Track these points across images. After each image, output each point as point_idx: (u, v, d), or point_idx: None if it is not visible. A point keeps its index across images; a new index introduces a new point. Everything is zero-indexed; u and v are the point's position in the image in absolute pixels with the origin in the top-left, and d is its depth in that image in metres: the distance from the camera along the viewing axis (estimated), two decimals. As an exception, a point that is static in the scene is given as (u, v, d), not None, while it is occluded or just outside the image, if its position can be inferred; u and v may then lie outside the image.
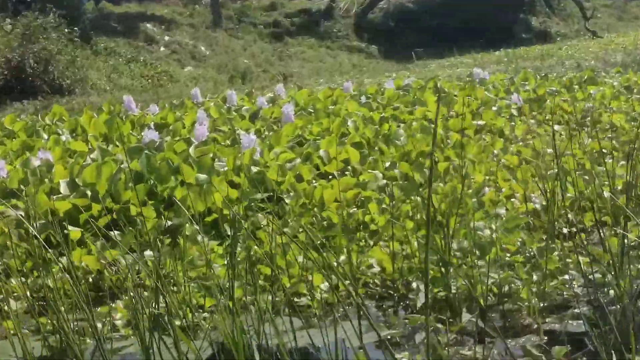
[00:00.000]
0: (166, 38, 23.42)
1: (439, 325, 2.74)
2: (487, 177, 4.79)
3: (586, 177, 4.36)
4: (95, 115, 7.45)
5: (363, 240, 3.80)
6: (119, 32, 22.91)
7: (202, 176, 4.25)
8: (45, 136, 6.67)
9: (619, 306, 2.63)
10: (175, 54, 22.85)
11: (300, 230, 3.78)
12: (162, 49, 22.92)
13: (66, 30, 18.89)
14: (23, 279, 3.09)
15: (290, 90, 10.92)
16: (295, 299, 3.23)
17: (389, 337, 2.79)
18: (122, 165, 4.30)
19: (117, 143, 5.94)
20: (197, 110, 7.75)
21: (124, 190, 3.99)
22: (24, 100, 15.87)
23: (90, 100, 14.71)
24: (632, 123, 6.75)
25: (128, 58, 21.23)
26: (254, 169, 4.63)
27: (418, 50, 23.01)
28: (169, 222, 3.75)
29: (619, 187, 4.23)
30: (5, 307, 2.74)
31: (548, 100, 8.29)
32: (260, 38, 25.86)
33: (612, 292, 2.95)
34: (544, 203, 3.94)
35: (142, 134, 6.00)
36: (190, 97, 10.09)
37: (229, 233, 3.77)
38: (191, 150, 5.02)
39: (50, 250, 2.75)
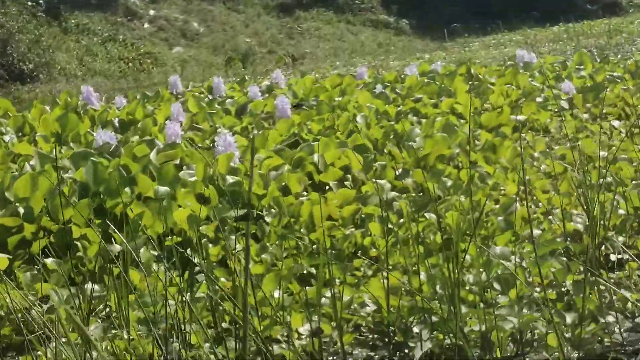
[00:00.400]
0: (151, 12, 20.75)
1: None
2: (522, 188, 3.96)
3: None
4: (48, 110, 6.63)
5: (361, 270, 3.27)
6: (94, 6, 20.16)
7: (163, 188, 3.61)
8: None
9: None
10: (162, 32, 20.40)
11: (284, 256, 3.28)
12: (145, 25, 20.46)
13: (29, 3, 17.17)
14: None
15: (291, 78, 9.94)
16: (269, 346, 2.53)
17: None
18: (65, 175, 3.68)
19: (72, 145, 5.23)
20: (175, 102, 6.90)
21: (65, 207, 3.33)
22: None
23: (57, 89, 13.42)
24: None
25: (104, 37, 19.04)
26: (230, 179, 3.97)
27: (457, 26, 20.84)
28: (118, 247, 3.16)
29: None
30: None
31: (608, 90, 7.11)
32: (266, 12, 22.83)
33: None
34: (587, 222, 3.27)
35: (95, 134, 5.23)
36: (168, 86, 9.03)
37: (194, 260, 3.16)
38: (153, 155, 4.33)
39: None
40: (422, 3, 23.77)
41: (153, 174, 3.90)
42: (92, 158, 3.72)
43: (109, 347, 2.41)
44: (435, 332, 2.53)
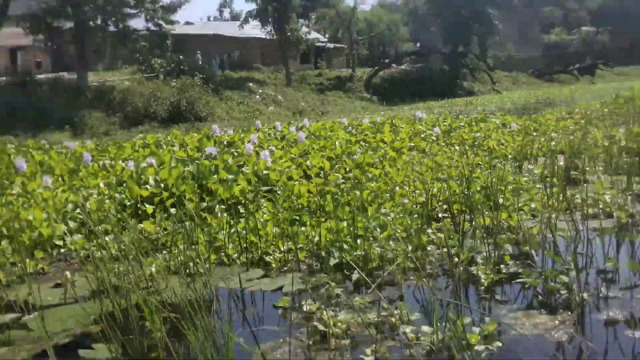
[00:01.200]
0: (260, 91, 37.16)
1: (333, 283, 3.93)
2: (406, 179, 6.97)
3: (459, 181, 6.40)
4: (194, 136, 10.92)
5: (321, 219, 5.81)
6: (234, 87, 36.41)
7: (230, 176, 6.72)
8: (164, 146, 10.07)
9: (460, 268, 3.93)
10: (264, 100, 36.37)
11: (282, 210, 6.05)
12: (257, 97, 36.20)
13: (205, 86, 32.50)
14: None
15: (312, 123, 14.72)
16: (265, 257, 4.86)
17: (310, 287, 3.95)
18: (185, 169, 6.80)
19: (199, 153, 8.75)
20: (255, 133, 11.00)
21: (182, 185, 6.49)
22: (180, 123, 27.67)
23: (208, 125, 23.86)
24: (500, 146, 9.64)
25: (238, 101, 34.49)
26: (265, 172, 7.08)
27: (396, 100, 39.47)
28: (204, 204, 6.21)
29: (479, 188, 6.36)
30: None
31: (455, 131, 11.81)
32: (312, 91, 40.90)
33: (455, 259, 4.23)
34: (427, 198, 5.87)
35: (206, 148, 8.61)
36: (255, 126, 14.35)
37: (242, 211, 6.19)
38: (230, 159, 7.51)
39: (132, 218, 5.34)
40: (383, 90, 43.37)
41: (226, 169, 7.05)
42: (197, 160, 6.95)
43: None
44: (343, 253, 4.57)
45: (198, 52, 39.33)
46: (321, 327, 3.26)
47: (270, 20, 39.09)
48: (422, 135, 11.08)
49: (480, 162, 8.37)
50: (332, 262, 4.48)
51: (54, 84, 30.52)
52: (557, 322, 3.26)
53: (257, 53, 45.54)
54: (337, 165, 7.66)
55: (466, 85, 45.87)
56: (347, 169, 7.57)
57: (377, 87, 43.79)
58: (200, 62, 36.78)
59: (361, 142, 10.44)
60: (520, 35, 59.33)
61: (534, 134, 11.46)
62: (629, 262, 3.80)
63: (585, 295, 3.51)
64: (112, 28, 30.85)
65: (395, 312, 3.40)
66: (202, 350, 2.84)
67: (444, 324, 3.08)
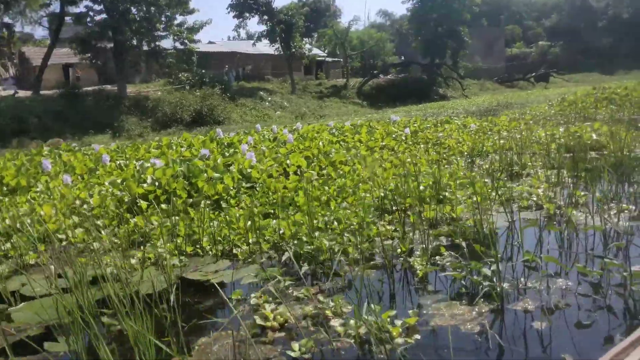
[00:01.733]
0: (269, 98, 36.26)
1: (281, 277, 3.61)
2: (373, 175, 6.53)
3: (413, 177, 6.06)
4: (201, 137, 10.83)
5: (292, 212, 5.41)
6: (248, 95, 35.60)
7: (217, 175, 6.37)
8: (174, 148, 9.75)
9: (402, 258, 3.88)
10: (272, 106, 35.49)
11: (258, 205, 5.68)
12: (267, 103, 35.41)
13: (223, 95, 31.79)
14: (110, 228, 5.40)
15: (305, 126, 14.26)
16: (234, 249, 4.50)
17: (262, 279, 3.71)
18: (178, 168, 6.46)
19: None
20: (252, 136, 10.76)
21: (174, 183, 6.15)
22: (202, 126, 26.91)
23: (229, 128, 23.88)
24: (458, 144, 9.12)
25: (250, 107, 33.75)
26: (249, 170, 6.74)
27: (382, 105, 38.64)
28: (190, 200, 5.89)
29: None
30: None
31: (422, 132, 11.18)
32: (313, 98, 39.55)
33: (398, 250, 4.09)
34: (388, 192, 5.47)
35: (201, 150, 8.21)
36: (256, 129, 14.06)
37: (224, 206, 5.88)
38: (219, 159, 7.16)
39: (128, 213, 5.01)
40: (372, 96, 41.81)
41: (214, 168, 6.70)
42: (189, 161, 6.60)
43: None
44: (298, 246, 4.16)
45: (226, 66, 39.60)
46: (259, 322, 2.93)
47: (278, 39, 38.59)
48: (394, 136, 10.71)
49: (438, 159, 8.03)
50: (285, 255, 4.07)
51: (98, 94, 30.21)
52: (474, 313, 2.93)
53: (268, 66, 45.12)
54: (313, 164, 7.30)
55: (441, 92, 45.23)
56: (323, 167, 7.22)
57: (367, 94, 42.92)
58: (225, 76, 36.19)
59: (340, 142, 10.10)
60: (487, 49, 58.64)
61: (489, 133, 11.08)
62: (545, 256, 3.45)
63: (505, 285, 3.19)
64: (145, 47, 30.51)
65: (331, 304, 3.08)
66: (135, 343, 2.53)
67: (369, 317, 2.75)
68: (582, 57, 57.77)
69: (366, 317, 2.70)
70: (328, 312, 3.01)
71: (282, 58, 40.26)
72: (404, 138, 10.54)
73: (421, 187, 5.46)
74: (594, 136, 8.24)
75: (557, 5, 66.40)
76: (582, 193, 5.04)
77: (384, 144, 9.82)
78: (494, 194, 5.20)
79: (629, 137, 8.24)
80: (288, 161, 7.20)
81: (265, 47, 41.21)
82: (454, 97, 44.27)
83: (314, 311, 3.03)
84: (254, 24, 60.36)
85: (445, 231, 4.49)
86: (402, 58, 55.40)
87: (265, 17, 38.07)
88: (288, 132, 10.77)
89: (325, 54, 51.99)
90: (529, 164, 7.24)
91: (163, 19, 30.14)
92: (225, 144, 10.16)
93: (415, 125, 12.75)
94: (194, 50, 32.19)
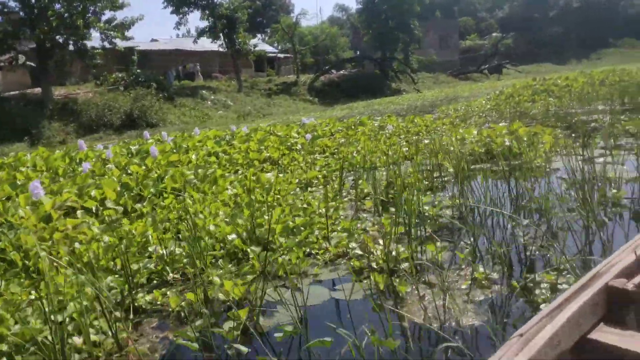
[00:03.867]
0: (212, 97, 33.73)
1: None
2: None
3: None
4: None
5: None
6: (189, 95, 32.95)
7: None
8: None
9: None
10: (215, 105, 32.96)
11: None
12: (208, 103, 32.87)
13: (160, 95, 29.11)
14: None
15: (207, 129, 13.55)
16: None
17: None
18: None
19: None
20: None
21: None
22: (132, 130, 24.76)
23: (163, 130, 21.23)
24: (354, 154, 7.60)
25: (190, 108, 31.23)
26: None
27: (334, 101, 37.02)
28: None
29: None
30: None
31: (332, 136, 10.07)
32: (262, 96, 37.10)
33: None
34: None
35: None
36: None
37: None
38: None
39: None
40: (324, 92, 40.14)
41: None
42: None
43: None
44: None
45: (178, 67, 37.92)
46: None
47: (220, 35, 36.43)
48: (289, 144, 8.93)
49: (318, 176, 6.28)
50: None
51: (20, 99, 27.64)
52: None
53: (216, 64, 42.90)
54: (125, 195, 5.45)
55: (394, 86, 43.81)
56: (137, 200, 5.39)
57: (319, 90, 40.99)
58: (161, 76, 33.70)
59: (220, 154, 8.26)
60: (442, 42, 57.55)
61: (401, 137, 9.43)
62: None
63: None
64: (71, 46, 28.00)
65: None
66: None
67: None
68: (534, 47, 57.35)
69: None
70: None
71: (228, 55, 38.16)
72: (299, 147, 8.79)
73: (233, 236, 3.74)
74: (507, 141, 6.62)
75: (509, -4, 65.95)
76: (439, 247, 3.31)
77: (269, 154, 8.05)
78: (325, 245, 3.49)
79: (548, 143, 6.64)
80: (94, 192, 5.25)
81: (212, 44, 39.00)
82: (407, 91, 42.92)
83: None
84: (197, 20, 57.77)
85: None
86: (358, 53, 53.91)
87: (207, 12, 35.85)
88: (155, 145, 8.77)
89: (277, 50, 50.05)
90: (418, 181, 5.55)
91: (90, 15, 27.66)
92: (79, 160, 8.19)
93: (326, 128, 11.03)
94: (124, 49, 29.91)
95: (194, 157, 7.72)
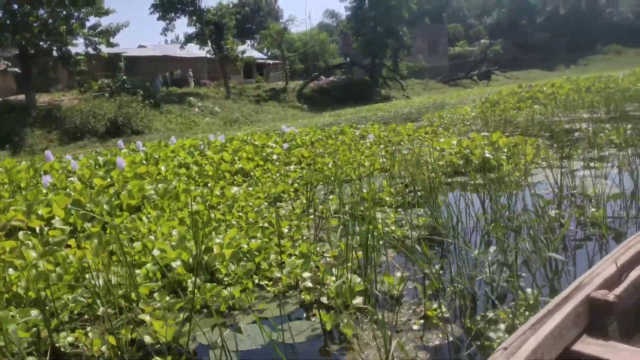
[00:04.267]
0: (199, 104, 33.10)
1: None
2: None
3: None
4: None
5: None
6: (176, 102, 32.43)
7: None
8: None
9: None
10: (202, 112, 32.43)
11: None
12: (196, 109, 32.30)
13: (146, 102, 28.64)
14: None
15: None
16: None
17: None
18: None
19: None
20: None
21: None
22: (117, 138, 22.83)
23: (149, 138, 21.82)
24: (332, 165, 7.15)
25: (177, 115, 30.64)
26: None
27: (323, 108, 36.09)
28: None
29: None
30: None
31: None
32: (250, 102, 36.58)
33: None
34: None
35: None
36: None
37: None
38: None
39: None
40: (313, 99, 39.75)
41: None
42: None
43: None
44: None
45: (165, 73, 37.52)
46: None
47: (208, 41, 36.09)
48: (265, 154, 8.59)
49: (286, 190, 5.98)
50: None
51: (3, 105, 27.11)
52: None
53: (204, 70, 42.54)
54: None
55: (384, 93, 43.59)
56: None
57: (308, 97, 40.56)
58: (148, 83, 33.18)
59: (191, 165, 7.93)
60: (431, 48, 57.47)
61: (381, 146, 9.12)
62: None
63: None
64: (54, 53, 27.53)
65: None
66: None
67: None
68: (522, 53, 57.49)
69: None
70: None
71: (216, 61, 37.82)
72: (275, 157, 8.47)
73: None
74: (486, 153, 6.32)
75: (498, 2, 66.10)
76: (397, 278, 2.98)
77: (241, 166, 7.71)
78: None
79: (529, 155, 6.37)
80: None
81: (201, 50, 38.62)
82: (396, 97, 42.69)
83: None
84: (184, 26, 57.17)
85: None
86: (348, 59, 53.72)
87: (194, 18, 35.50)
88: (122, 157, 8.38)
89: (266, 57, 49.77)
90: (387, 198, 5.23)
91: (74, 21, 27.22)
92: (43, 172, 7.80)
93: (306, 137, 10.73)
94: (111, 55, 29.54)
95: (163, 168, 7.37)
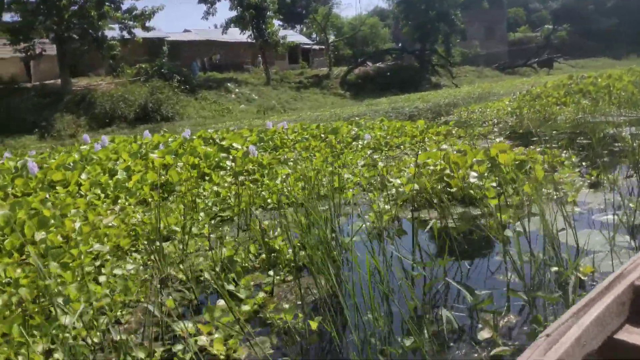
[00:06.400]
0: (236, 90, 31.94)
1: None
2: None
3: None
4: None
5: None
6: (213, 87, 31.42)
7: None
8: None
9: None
10: (238, 99, 31.19)
11: None
12: (232, 96, 31.16)
13: (181, 87, 28.36)
14: None
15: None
16: None
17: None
18: None
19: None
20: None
21: None
22: (147, 124, 23.60)
23: (179, 125, 22.31)
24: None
25: (211, 101, 29.67)
26: None
27: (366, 96, 34.68)
28: None
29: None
30: None
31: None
32: (290, 89, 35.23)
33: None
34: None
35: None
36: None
37: None
38: None
39: None
40: (357, 86, 37.89)
41: None
42: None
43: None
44: None
45: (203, 58, 36.58)
46: None
47: (250, 25, 34.84)
48: (217, 159, 6.90)
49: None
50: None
51: (40, 90, 26.94)
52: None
53: (247, 54, 41.39)
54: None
55: (434, 80, 40.93)
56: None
57: (352, 84, 38.45)
58: (185, 68, 32.30)
59: (120, 172, 6.37)
60: (488, 33, 53.83)
61: (369, 152, 7.35)
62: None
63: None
64: (89, 37, 27.02)
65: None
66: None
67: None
68: (589, 40, 52.90)
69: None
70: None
71: (256, 46, 36.59)
72: (229, 165, 6.85)
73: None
74: (473, 175, 4.48)
75: (564, -15, 61.18)
76: None
77: (168, 177, 6.15)
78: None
79: (533, 180, 4.53)
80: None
81: (242, 35, 37.49)
82: (446, 85, 40.01)
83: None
84: (225, 10, 56.72)
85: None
86: (400, 45, 51.15)
87: (235, 1, 34.28)
88: (34, 160, 6.89)
89: (312, 42, 48.11)
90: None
91: (108, 4, 26.57)
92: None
93: (292, 135, 9.05)
94: (155, 39, 28.75)
95: (84, 176, 5.95)
